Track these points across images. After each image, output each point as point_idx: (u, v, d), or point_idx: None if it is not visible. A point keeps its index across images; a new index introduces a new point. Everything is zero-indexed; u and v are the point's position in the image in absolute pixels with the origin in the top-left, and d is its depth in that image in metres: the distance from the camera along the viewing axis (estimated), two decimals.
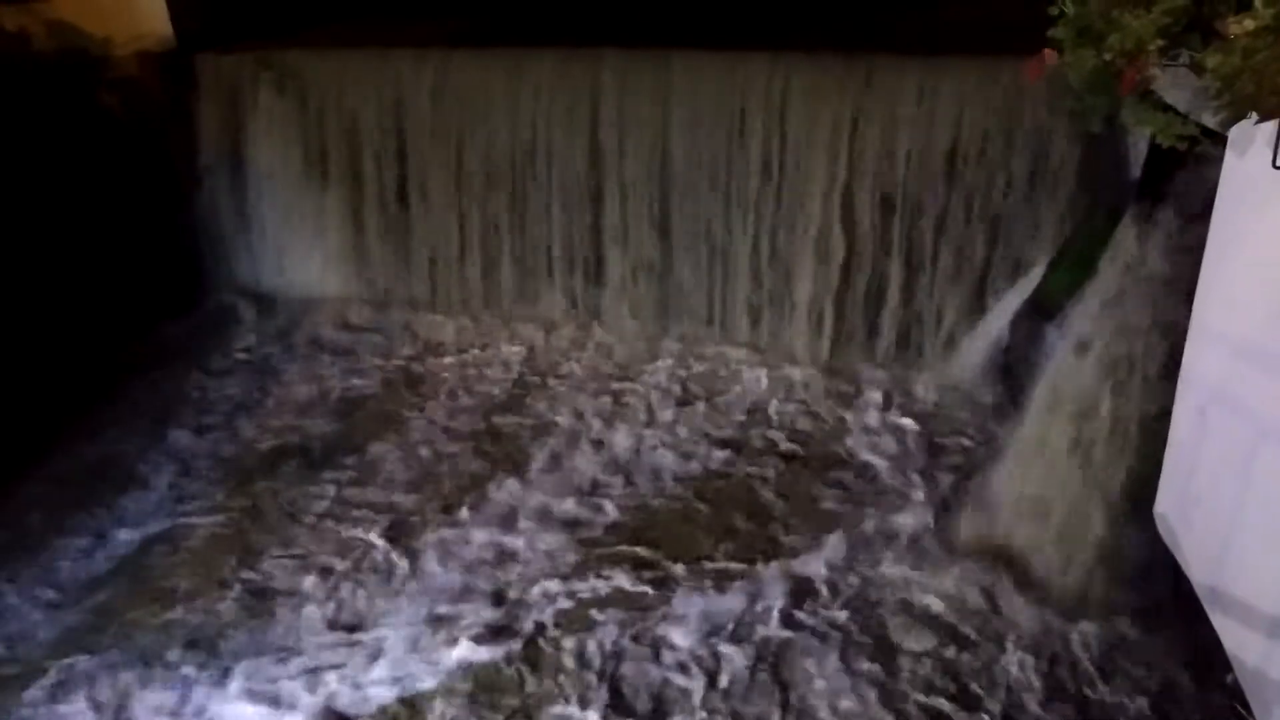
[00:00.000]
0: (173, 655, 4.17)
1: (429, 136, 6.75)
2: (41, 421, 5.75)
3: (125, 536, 4.92)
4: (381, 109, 6.79)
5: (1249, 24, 2.09)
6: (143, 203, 6.87)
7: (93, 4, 6.56)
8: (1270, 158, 2.30)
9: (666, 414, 5.82)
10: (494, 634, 4.20)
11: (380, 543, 4.79)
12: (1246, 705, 2.96)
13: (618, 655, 4.09)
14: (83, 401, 6.01)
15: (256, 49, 7.05)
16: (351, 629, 4.28)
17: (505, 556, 4.71)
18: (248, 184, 7.25)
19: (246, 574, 4.63)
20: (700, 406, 5.88)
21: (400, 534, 4.87)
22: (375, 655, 4.12)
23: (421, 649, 4.14)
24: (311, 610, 4.38)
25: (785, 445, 5.49)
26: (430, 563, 4.67)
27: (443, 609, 4.37)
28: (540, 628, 4.23)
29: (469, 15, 7.54)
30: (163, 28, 6.89)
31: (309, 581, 4.57)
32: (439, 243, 7.01)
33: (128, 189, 6.75)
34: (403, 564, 4.65)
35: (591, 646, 4.13)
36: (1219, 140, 2.73)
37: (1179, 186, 4.15)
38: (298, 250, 7.38)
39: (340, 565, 4.67)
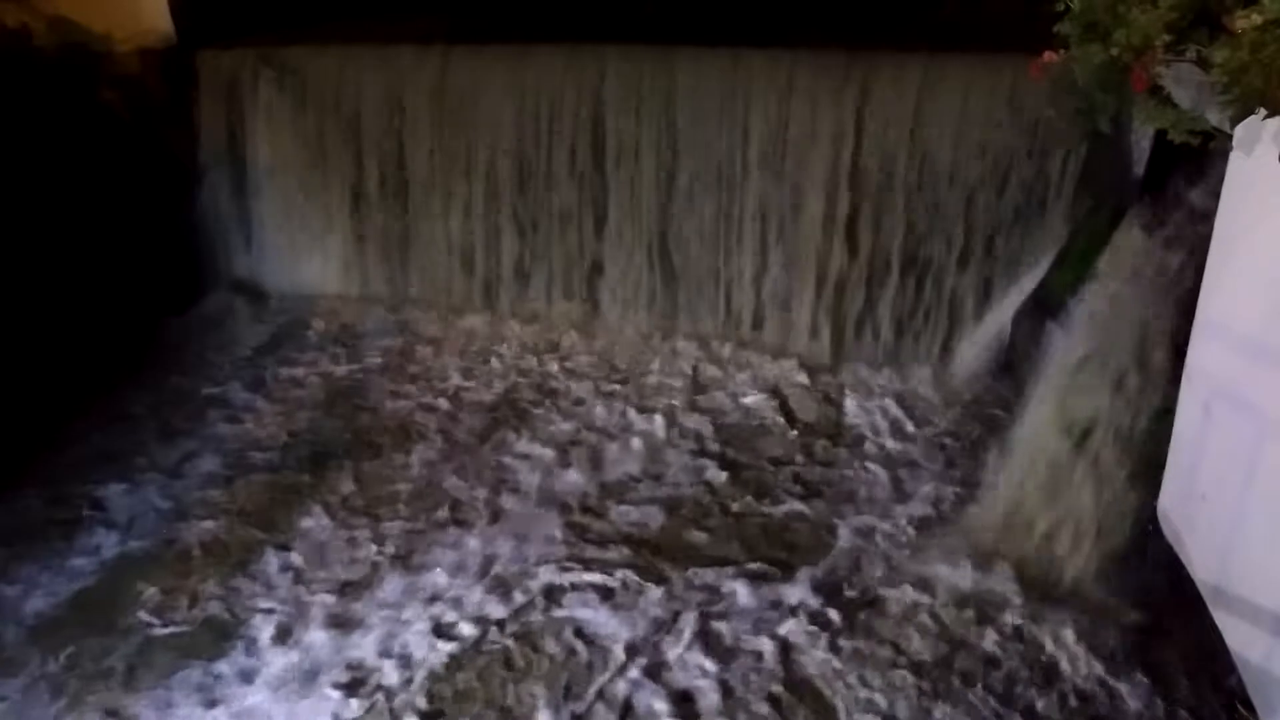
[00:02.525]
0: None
1: (430, 133, 6.74)
2: (34, 421, 5.69)
3: (96, 557, 4.74)
4: (382, 106, 6.77)
5: (1256, 18, 2.09)
6: (143, 199, 6.84)
7: (94, 1, 6.55)
8: (1278, 153, 2.29)
9: (665, 415, 5.80)
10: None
11: (330, 598, 4.42)
12: (1248, 705, 2.96)
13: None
14: (77, 401, 5.95)
15: (257, 46, 7.03)
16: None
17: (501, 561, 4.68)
18: (248, 181, 7.23)
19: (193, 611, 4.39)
20: (699, 406, 5.86)
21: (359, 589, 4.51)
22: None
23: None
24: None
25: (785, 444, 5.47)
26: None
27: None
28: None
29: (470, 11, 7.52)
30: (164, 24, 6.87)
31: (255, 625, 4.29)
32: (439, 241, 6.99)
33: (128, 186, 6.72)
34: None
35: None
36: (1223, 137, 2.72)
37: (1182, 184, 4.16)
38: (297, 248, 7.36)
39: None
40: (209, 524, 4.93)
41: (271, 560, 4.66)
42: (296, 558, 4.67)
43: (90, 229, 6.44)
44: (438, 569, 4.54)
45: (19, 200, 5.95)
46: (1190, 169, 4.13)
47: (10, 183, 5.89)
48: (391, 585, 4.46)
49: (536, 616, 4.24)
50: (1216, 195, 2.99)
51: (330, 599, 4.39)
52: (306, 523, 4.92)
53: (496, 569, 4.53)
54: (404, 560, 4.62)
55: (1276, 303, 2.57)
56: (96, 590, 4.52)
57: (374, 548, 4.72)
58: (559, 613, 4.26)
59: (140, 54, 6.85)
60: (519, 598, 4.35)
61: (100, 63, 6.68)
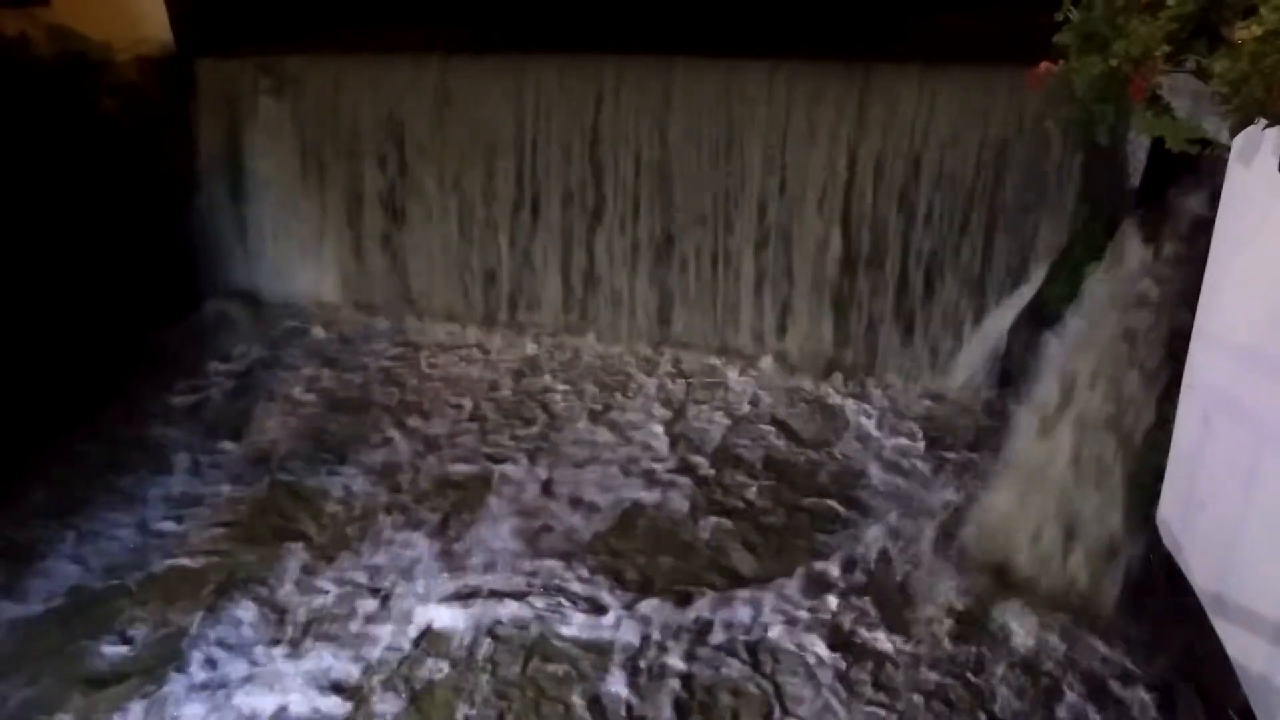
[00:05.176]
0: None
1: (427, 143, 6.76)
2: (27, 430, 5.64)
3: (83, 572, 4.67)
4: (380, 115, 6.79)
5: (1256, 29, 2.10)
6: (140, 208, 6.84)
7: (93, 9, 6.55)
8: (1276, 163, 2.31)
9: (660, 422, 5.80)
10: None
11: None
12: (1249, 714, 2.96)
13: None
14: (72, 410, 5.91)
15: (256, 55, 7.05)
16: None
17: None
18: (246, 189, 7.24)
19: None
20: (694, 415, 5.86)
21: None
22: None
23: None
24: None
25: (780, 455, 5.47)
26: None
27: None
28: None
29: (468, 22, 7.56)
30: (163, 33, 6.89)
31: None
32: (436, 250, 7.01)
33: (125, 194, 6.72)
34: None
35: None
36: (1220, 147, 2.74)
37: (1179, 195, 4.19)
38: (295, 257, 7.38)
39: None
40: (166, 565, 4.72)
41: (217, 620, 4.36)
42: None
43: (87, 237, 6.43)
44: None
45: (16, 208, 5.94)
46: (1186, 180, 4.16)
47: (7, 191, 5.89)
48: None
49: None
50: (1212, 205, 3.01)
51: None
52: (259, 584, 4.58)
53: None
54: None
55: (1275, 312, 2.59)
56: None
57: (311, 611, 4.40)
58: None
59: (139, 63, 6.86)
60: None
61: (99, 71, 6.67)
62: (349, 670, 4.04)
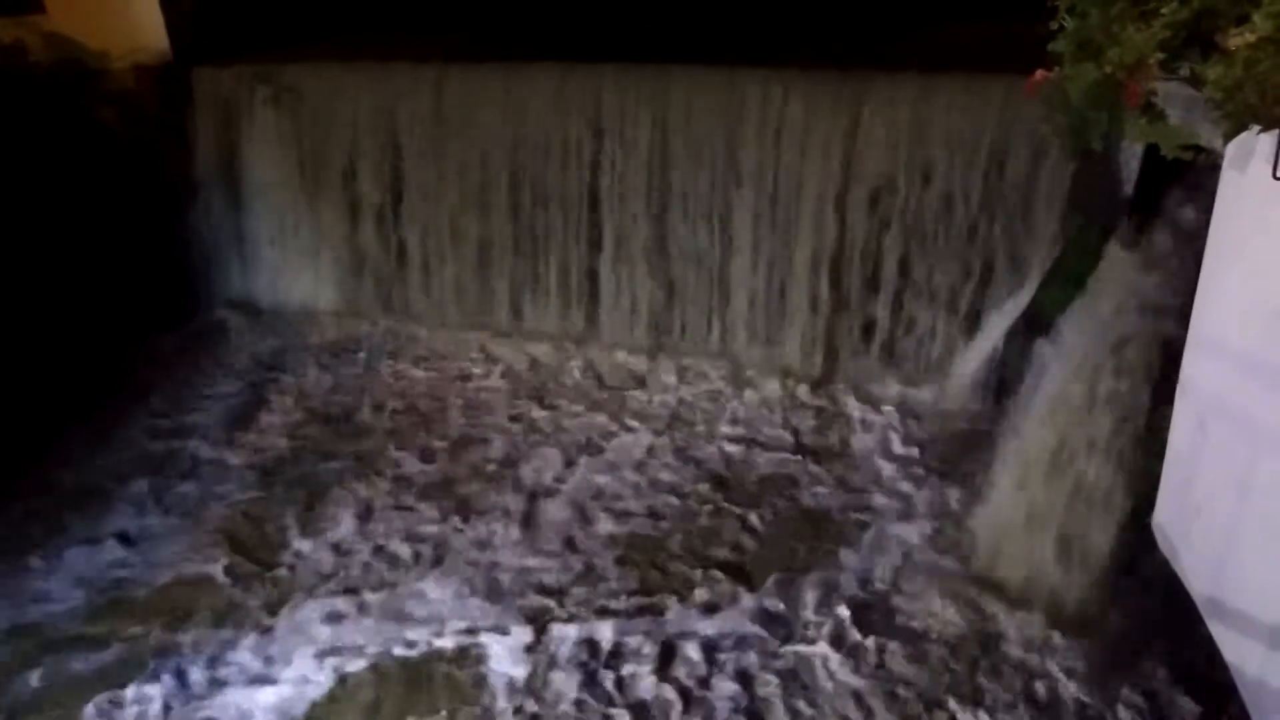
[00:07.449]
0: None
1: (425, 151, 6.77)
2: (25, 436, 5.65)
3: (70, 585, 4.68)
4: (377, 124, 6.81)
5: (1250, 36, 2.12)
6: (137, 216, 6.86)
7: (90, 17, 6.59)
8: (1270, 169, 2.32)
9: (657, 432, 5.83)
10: None
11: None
12: (1243, 718, 2.96)
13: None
14: (66, 418, 5.93)
15: (253, 63, 7.07)
16: None
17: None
18: (243, 198, 7.26)
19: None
20: (692, 426, 5.88)
21: None
22: None
23: None
24: None
25: (778, 463, 5.48)
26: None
27: None
28: None
29: (466, 30, 7.58)
30: (160, 42, 6.92)
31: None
32: (433, 258, 7.02)
33: (122, 202, 6.74)
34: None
35: None
36: (1213, 154, 2.76)
37: (1172, 203, 4.21)
38: (291, 264, 7.39)
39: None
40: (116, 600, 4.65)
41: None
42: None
43: (83, 245, 6.43)
44: None
45: (10, 215, 5.93)
46: (1179, 187, 4.17)
47: (4, 197, 5.88)
48: None
49: None
50: (1206, 212, 3.02)
51: None
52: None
53: None
54: None
55: (1270, 317, 2.59)
56: None
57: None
58: None
59: (136, 71, 6.88)
60: None
61: (96, 79, 6.70)
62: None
